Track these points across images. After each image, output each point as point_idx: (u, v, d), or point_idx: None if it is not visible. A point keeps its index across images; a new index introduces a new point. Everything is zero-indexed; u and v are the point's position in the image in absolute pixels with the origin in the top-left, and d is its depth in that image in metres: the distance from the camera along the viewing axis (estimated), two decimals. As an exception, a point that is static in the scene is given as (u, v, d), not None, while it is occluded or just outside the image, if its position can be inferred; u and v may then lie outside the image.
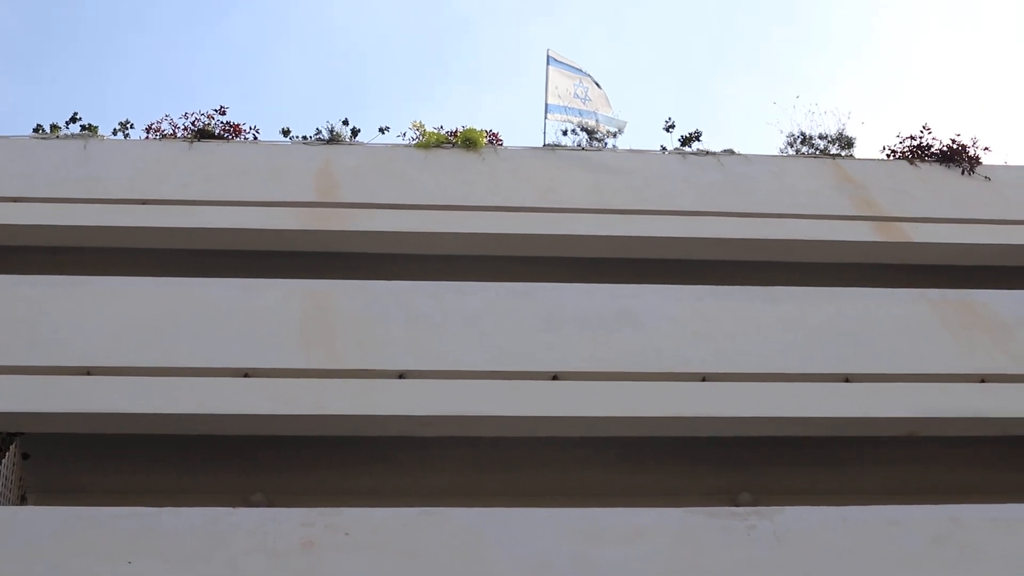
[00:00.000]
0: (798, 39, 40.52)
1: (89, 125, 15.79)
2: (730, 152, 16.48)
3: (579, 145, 16.80)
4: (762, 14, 39.73)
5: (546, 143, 16.70)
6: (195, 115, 16.00)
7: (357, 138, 16.19)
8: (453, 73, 40.05)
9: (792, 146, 17.30)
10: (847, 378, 11.87)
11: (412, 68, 38.75)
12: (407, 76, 39.24)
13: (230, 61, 38.82)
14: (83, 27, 37.52)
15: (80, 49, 37.75)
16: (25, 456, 10.90)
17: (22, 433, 10.80)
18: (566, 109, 17.39)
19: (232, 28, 38.90)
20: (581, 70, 18.04)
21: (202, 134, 15.77)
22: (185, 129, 15.86)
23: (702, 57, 40.23)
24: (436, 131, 16.11)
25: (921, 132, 17.05)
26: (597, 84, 17.90)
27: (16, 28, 36.66)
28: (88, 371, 11.06)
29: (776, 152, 17.16)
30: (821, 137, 17.27)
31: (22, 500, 10.89)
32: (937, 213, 15.46)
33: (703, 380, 11.70)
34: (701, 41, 39.79)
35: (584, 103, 17.59)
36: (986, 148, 16.80)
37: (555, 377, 11.56)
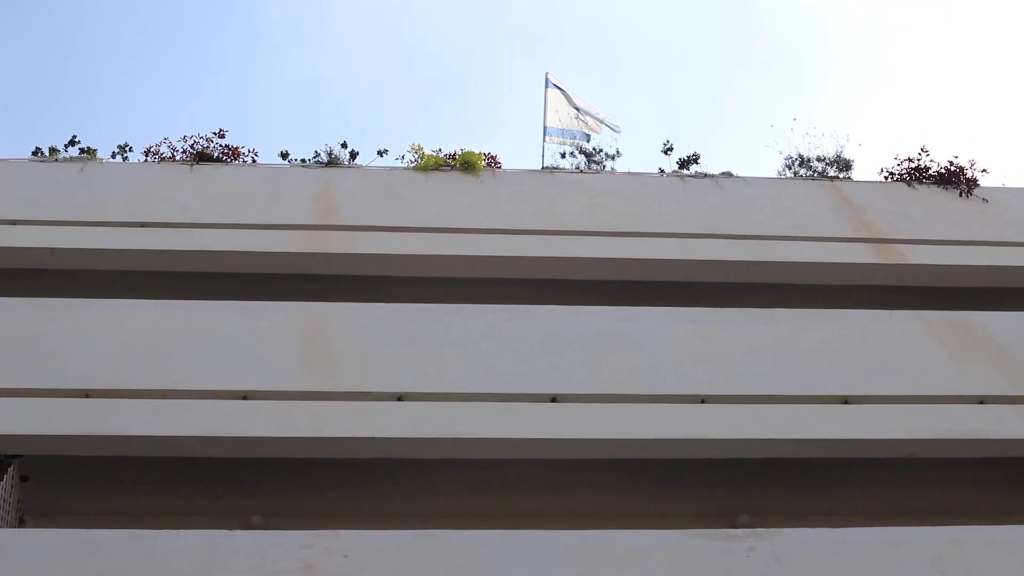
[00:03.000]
0: (787, 76, 40.86)
1: (88, 148, 15.83)
2: (728, 175, 16.52)
3: (577, 168, 16.83)
4: (748, 58, 40.19)
5: (544, 166, 16.74)
6: (194, 138, 16.05)
7: (356, 161, 16.22)
8: (443, 125, 40.35)
9: (790, 168, 17.35)
10: (846, 400, 11.88)
11: (401, 122, 38.98)
12: (396, 130, 39.54)
13: (218, 117, 39.01)
14: (70, 82, 37.73)
15: (67, 104, 37.90)
16: (24, 478, 10.89)
17: (21, 455, 10.80)
18: (564, 132, 17.43)
19: (221, 83, 39.11)
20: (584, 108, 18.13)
21: (201, 157, 15.79)
22: (184, 152, 15.89)
23: (693, 100, 40.58)
24: (435, 154, 16.14)
25: (919, 154, 17.12)
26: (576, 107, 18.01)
27: (5, 80, 36.84)
28: (87, 393, 11.06)
29: (774, 174, 17.22)
30: (819, 159, 17.32)
31: (20, 522, 10.88)
32: (935, 235, 15.48)
33: (702, 402, 11.71)
34: (691, 84, 40.15)
35: (583, 123, 17.64)
36: (984, 170, 16.87)
37: (554, 399, 11.57)
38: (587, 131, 17.63)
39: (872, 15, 39.98)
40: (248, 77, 39.22)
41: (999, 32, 40.05)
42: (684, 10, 40.12)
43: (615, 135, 17.68)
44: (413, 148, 16.19)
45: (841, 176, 17.02)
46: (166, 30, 38.08)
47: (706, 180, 16.34)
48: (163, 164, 15.65)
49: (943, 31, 40.76)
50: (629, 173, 16.60)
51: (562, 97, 17.88)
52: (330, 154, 16.15)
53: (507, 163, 16.45)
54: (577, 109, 17.85)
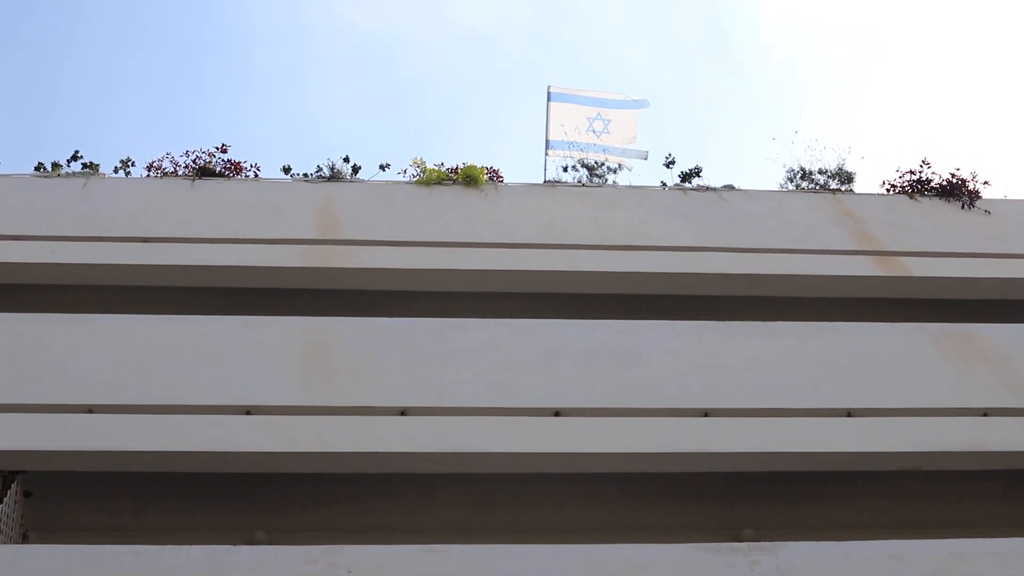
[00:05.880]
0: (778, 104, 41.20)
1: (90, 163, 15.84)
2: (730, 187, 16.52)
3: (579, 181, 16.84)
4: (735, 97, 40.70)
5: (546, 179, 16.74)
6: (196, 153, 16.05)
7: (358, 175, 16.22)
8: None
9: (792, 181, 17.36)
10: (848, 412, 11.86)
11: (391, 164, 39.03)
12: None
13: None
14: (55, 125, 37.79)
15: (52, 146, 38.00)
16: (27, 494, 10.88)
17: (24, 471, 10.79)
18: (572, 144, 17.37)
19: (209, 123, 39.21)
20: (599, 99, 17.97)
21: (203, 172, 15.80)
22: (186, 167, 15.89)
23: (684, 140, 40.93)
24: (437, 168, 16.14)
25: (920, 167, 17.13)
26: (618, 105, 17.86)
27: (6, 95, 36.92)
28: (90, 408, 11.05)
29: (776, 187, 17.22)
30: (821, 172, 17.33)
31: (24, 538, 10.86)
32: (937, 247, 15.48)
33: (704, 415, 11.69)
34: (682, 125, 40.46)
35: (599, 136, 17.58)
36: (986, 182, 16.88)
37: (556, 413, 11.56)
38: (607, 144, 17.52)
39: (865, 30, 40.29)
40: (236, 120, 39.40)
41: (1001, 45, 40.16)
42: (672, 52, 40.68)
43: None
44: (415, 162, 16.21)
45: (843, 189, 17.04)
46: (154, 69, 38.28)
47: (708, 193, 16.34)
48: (165, 179, 15.67)
49: (944, 43, 40.90)
50: (631, 186, 16.62)
51: (570, 109, 17.77)
52: (332, 168, 16.16)
53: (509, 178, 16.46)
54: (597, 119, 17.70)
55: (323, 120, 39.62)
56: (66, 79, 37.66)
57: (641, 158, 17.55)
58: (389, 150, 39.34)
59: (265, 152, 38.69)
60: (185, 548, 9.18)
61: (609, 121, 17.77)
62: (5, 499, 10.41)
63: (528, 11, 39.90)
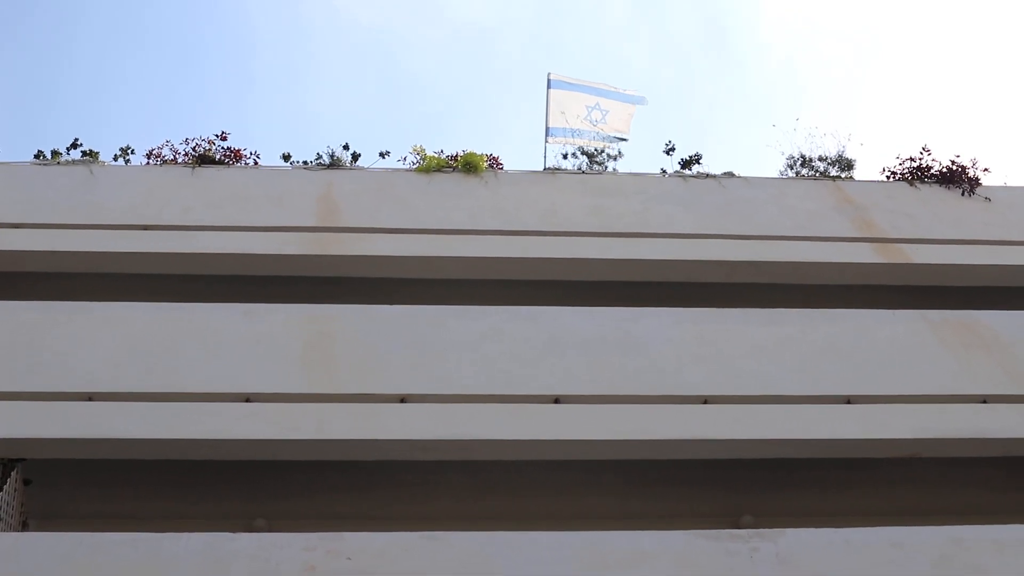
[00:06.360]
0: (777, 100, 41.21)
1: (90, 151, 15.79)
2: (730, 175, 16.49)
3: (579, 168, 16.81)
4: (734, 95, 40.81)
5: (547, 167, 16.71)
6: (196, 141, 16.02)
7: (358, 163, 16.19)
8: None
9: (792, 168, 17.33)
10: (848, 399, 11.86)
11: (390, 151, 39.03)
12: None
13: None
14: (55, 126, 37.78)
15: (52, 146, 37.82)
16: (27, 482, 10.88)
17: (24, 459, 10.79)
18: (572, 132, 17.34)
19: (208, 119, 39.19)
20: (599, 89, 17.96)
21: (203, 159, 15.77)
22: (186, 155, 15.87)
23: (685, 136, 41.00)
24: (437, 155, 16.11)
25: (921, 154, 17.10)
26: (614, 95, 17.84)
27: (6, 84, 36.90)
28: (90, 396, 11.05)
29: (776, 174, 17.20)
30: (821, 159, 17.31)
31: (24, 526, 10.87)
32: (937, 234, 15.47)
33: (704, 403, 11.69)
34: (683, 123, 40.49)
35: (596, 125, 17.54)
36: (986, 169, 16.86)
37: (557, 400, 11.56)
38: (603, 132, 17.50)
39: (865, 29, 40.31)
40: (237, 118, 39.43)
41: (1000, 31, 40.11)
42: (672, 52, 40.73)
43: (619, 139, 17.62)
44: (415, 150, 16.18)
45: (843, 176, 17.01)
46: (154, 68, 38.25)
47: (708, 180, 16.32)
48: (165, 167, 15.64)
49: (944, 43, 40.87)
50: (631, 173, 16.59)
51: (570, 96, 17.73)
52: (332, 156, 16.13)
53: (509, 165, 16.44)
54: (595, 108, 17.67)
55: (324, 117, 39.69)
56: (66, 79, 37.66)
57: (617, 151, 17.53)
58: (390, 147, 39.29)
59: (266, 150, 38.67)
60: (185, 536, 9.18)
61: (607, 112, 17.73)
62: (5, 487, 10.41)
63: (528, 10, 39.98)
